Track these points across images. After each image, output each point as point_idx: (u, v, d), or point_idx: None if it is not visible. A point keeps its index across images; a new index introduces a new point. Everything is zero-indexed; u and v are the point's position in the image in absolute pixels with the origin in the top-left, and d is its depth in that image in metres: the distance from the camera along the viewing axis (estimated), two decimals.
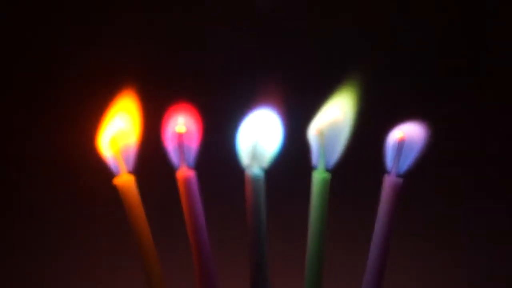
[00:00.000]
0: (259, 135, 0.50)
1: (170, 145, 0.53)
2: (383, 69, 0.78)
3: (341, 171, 0.52)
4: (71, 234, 0.82)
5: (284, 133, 0.51)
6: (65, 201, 0.80)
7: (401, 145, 0.53)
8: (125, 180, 0.52)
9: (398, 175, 0.51)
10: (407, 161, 0.52)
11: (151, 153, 0.56)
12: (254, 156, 0.49)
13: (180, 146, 0.52)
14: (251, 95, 0.55)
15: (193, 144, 0.53)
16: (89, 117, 0.56)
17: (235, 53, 0.81)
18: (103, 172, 0.53)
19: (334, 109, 0.52)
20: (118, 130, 0.53)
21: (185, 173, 0.52)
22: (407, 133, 0.52)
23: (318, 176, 0.51)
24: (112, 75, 0.73)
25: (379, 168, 0.54)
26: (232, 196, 0.68)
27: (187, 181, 0.52)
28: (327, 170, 0.51)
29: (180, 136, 0.52)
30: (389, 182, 0.51)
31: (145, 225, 0.53)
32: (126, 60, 0.77)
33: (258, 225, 0.50)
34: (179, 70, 0.80)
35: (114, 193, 0.52)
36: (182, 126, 0.53)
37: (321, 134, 0.51)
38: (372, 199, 0.56)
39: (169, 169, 0.53)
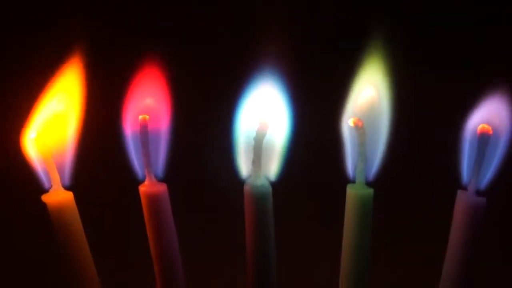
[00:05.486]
0: (263, 128, 0.39)
1: (130, 143, 0.42)
2: (434, 25, 0.59)
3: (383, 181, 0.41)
4: None
5: (295, 123, 0.41)
6: None
7: (484, 142, 0.38)
8: (58, 198, 0.40)
9: (479, 192, 0.39)
10: (490, 167, 0.39)
11: (100, 154, 0.47)
12: (258, 159, 0.38)
13: (144, 145, 0.41)
14: (246, 64, 0.44)
15: (163, 140, 0.42)
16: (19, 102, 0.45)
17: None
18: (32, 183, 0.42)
19: (366, 86, 0.41)
20: (51, 118, 0.42)
21: (151, 187, 0.41)
22: (490, 121, 0.39)
23: (357, 192, 0.40)
24: (51, 39, 0.59)
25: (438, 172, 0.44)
26: (222, 215, 0.58)
27: (154, 198, 0.41)
28: (369, 181, 0.40)
29: (144, 124, 0.41)
30: (466, 201, 0.39)
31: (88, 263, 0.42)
32: (68, 19, 0.60)
33: (264, 253, 0.41)
34: (140, 27, 0.63)
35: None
36: (148, 110, 0.42)
37: (361, 127, 0.38)
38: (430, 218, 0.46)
39: (128, 178, 0.42)
